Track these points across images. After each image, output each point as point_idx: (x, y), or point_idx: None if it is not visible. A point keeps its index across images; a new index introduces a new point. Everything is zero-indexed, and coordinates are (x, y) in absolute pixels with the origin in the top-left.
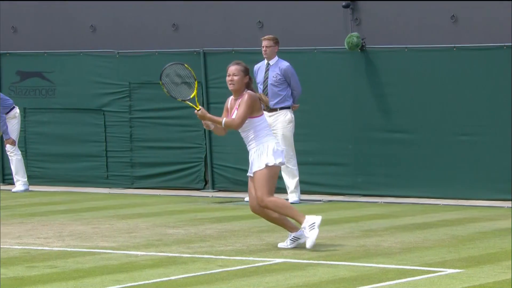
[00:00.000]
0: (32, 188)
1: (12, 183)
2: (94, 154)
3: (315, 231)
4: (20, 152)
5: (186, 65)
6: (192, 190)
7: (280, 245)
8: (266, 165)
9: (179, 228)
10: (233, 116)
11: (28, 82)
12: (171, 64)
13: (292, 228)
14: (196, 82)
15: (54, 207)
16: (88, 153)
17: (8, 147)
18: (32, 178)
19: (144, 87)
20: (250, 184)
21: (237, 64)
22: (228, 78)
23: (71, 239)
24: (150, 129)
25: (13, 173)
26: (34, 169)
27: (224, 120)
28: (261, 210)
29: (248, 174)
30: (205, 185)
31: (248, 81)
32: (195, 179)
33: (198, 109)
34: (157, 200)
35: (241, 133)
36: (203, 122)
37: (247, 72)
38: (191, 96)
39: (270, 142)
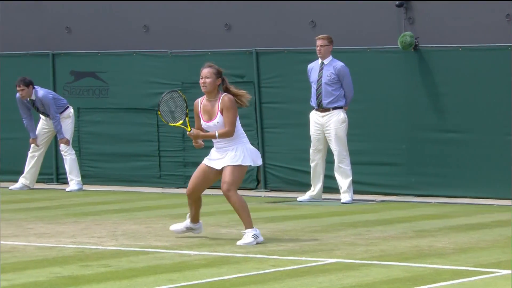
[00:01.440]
0: (85, 187)
1: (66, 182)
2: (147, 154)
3: (252, 241)
4: (74, 152)
5: (179, 91)
6: (245, 190)
7: (172, 227)
8: (242, 164)
9: (232, 227)
10: (216, 120)
11: (81, 82)
12: (168, 92)
13: (193, 219)
14: (187, 109)
15: (108, 206)
16: (141, 153)
17: (62, 146)
18: (86, 178)
19: (196, 87)
20: (200, 172)
21: (210, 66)
22: (201, 81)
23: (125, 238)
24: None
25: (67, 173)
26: (88, 168)
27: (217, 133)
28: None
29: (208, 164)
30: (258, 184)
31: (220, 83)
32: (248, 178)
33: (189, 130)
34: (210, 200)
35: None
36: (194, 142)
37: (220, 75)
38: (181, 122)
39: (248, 144)
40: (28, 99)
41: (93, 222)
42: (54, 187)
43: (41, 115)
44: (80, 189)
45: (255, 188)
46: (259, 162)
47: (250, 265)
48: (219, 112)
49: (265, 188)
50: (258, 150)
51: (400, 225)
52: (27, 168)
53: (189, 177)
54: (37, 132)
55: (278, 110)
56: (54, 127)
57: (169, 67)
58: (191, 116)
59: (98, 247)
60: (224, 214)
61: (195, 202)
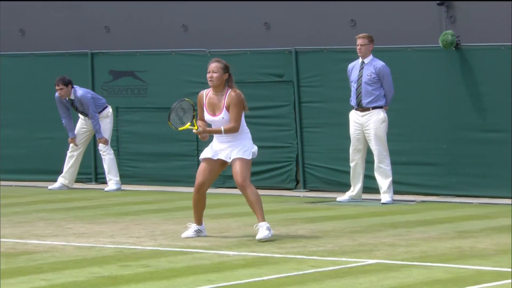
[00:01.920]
0: (124, 187)
1: (104, 182)
2: (185, 153)
3: (268, 234)
4: (112, 151)
5: (187, 100)
6: (284, 190)
7: (184, 235)
8: (252, 157)
9: (271, 228)
10: (221, 115)
11: (120, 81)
12: (177, 102)
13: (198, 221)
14: (194, 112)
15: (146, 206)
16: (179, 152)
17: (100, 146)
18: (124, 177)
19: (236, 86)
20: (206, 165)
21: (217, 61)
22: (208, 75)
23: (163, 238)
24: None
25: (106, 172)
26: (126, 168)
27: (222, 128)
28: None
29: (211, 156)
30: (297, 184)
31: (227, 78)
32: (287, 178)
33: (196, 128)
34: (242, 200)
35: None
36: (200, 136)
37: (227, 70)
38: (189, 124)
39: (250, 140)
40: (67, 98)
41: (132, 222)
42: (93, 187)
43: (80, 115)
44: (118, 189)
45: (294, 188)
46: (255, 154)
47: (289, 265)
48: (224, 108)
49: (304, 188)
50: (297, 149)
51: (441, 226)
52: (66, 167)
53: (228, 176)
54: (76, 132)
55: (318, 110)
56: (93, 126)
57: (207, 66)
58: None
59: (137, 247)
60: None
61: (201, 199)
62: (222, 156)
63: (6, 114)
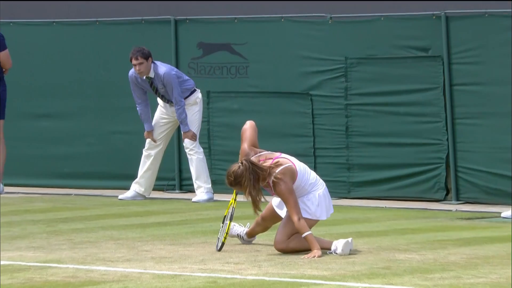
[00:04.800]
0: (217, 197)
1: (192, 190)
2: (299, 152)
3: (347, 245)
4: (202, 150)
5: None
6: (430, 202)
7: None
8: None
9: (413, 252)
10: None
11: (212, 58)
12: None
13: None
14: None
15: (246, 221)
16: (291, 150)
17: (186, 142)
18: (218, 184)
19: (365, 64)
20: (268, 212)
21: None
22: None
23: (270, 265)
24: (373, 119)
25: (193, 178)
26: (220, 172)
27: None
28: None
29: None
30: (447, 195)
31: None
32: (433, 186)
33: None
34: (382, 215)
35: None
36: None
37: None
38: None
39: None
40: (145, 77)
41: (228, 242)
42: (177, 197)
43: (159, 100)
44: (210, 199)
45: (444, 199)
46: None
47: None
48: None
49: (457, 200)
50: (447, 148)
51: None
52: (141, 171)
53: (354, 183)
54: (153, 123)
55: (475, 95)
56: (177, 116)
57: (328, 36)
58: None
59: (236, 276)
60: (402, 234)
61: (264, 228)
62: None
63: (60, 101)
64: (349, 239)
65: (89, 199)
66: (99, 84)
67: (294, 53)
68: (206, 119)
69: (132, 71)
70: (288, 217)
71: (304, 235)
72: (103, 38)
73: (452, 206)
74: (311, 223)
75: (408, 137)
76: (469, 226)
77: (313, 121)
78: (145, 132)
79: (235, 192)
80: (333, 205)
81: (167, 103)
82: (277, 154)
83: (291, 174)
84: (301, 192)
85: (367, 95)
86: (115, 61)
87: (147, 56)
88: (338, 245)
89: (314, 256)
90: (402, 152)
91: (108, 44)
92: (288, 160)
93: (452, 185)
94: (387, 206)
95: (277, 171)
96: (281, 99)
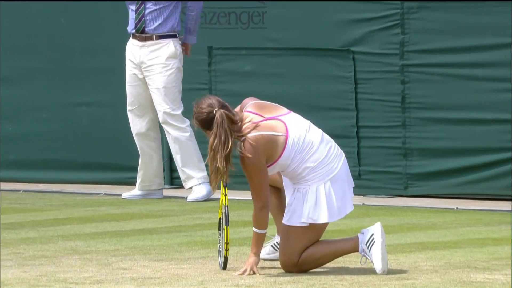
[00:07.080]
0: (217, 194)
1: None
2: (336, 133)
3: (378, 246)
4: (188, 124)
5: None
6: (496, 201)
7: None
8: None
9: (496, 271)
10: None
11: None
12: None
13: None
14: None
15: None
16: (325, 130)
17: (162, 115)
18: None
19: (429, 9)
20: None
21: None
22: None
23: None
24: (439, 86)
25: (179, 165)
26: None
27: None
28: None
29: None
30: None
31: None
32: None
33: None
34: (453, 219)
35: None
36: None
37: None
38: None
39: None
40: None
41: (236, 255)
42: (166, 194)
43: (130, 43)
44: (209, 193)
45: None
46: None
47: None
48: None
49: None
50: None
51: None
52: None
53: (413, 175)
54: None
55: None
56: (190, 20)
57: None
58: None
59: None
60: (479, 245)
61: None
62: None
63: (2, 61)
64: (377, 228)
65: (44, 197)
66: (56, 38)
67: None
68: (207, 85)
69: None
70: (289, 227)
71: (254, 230)
72: None
73: None
74: (320, 228)
75: (489, 111)
76: None
77: (355, 89)
78: None
79: (223, 184)
80: (384, 206)
81: (145, 41)
82: (282, 111)
83: (268, 145)
84: (292, 177)
85: (431, 52)
86: (80, 5)
87: None
88: (374, 259)
89: (243, 272)
90: (480, 132)
91: None
92: (274, 126)
93: None
94: (458, 207)
95: (249, 135)
96: (311, 58)
